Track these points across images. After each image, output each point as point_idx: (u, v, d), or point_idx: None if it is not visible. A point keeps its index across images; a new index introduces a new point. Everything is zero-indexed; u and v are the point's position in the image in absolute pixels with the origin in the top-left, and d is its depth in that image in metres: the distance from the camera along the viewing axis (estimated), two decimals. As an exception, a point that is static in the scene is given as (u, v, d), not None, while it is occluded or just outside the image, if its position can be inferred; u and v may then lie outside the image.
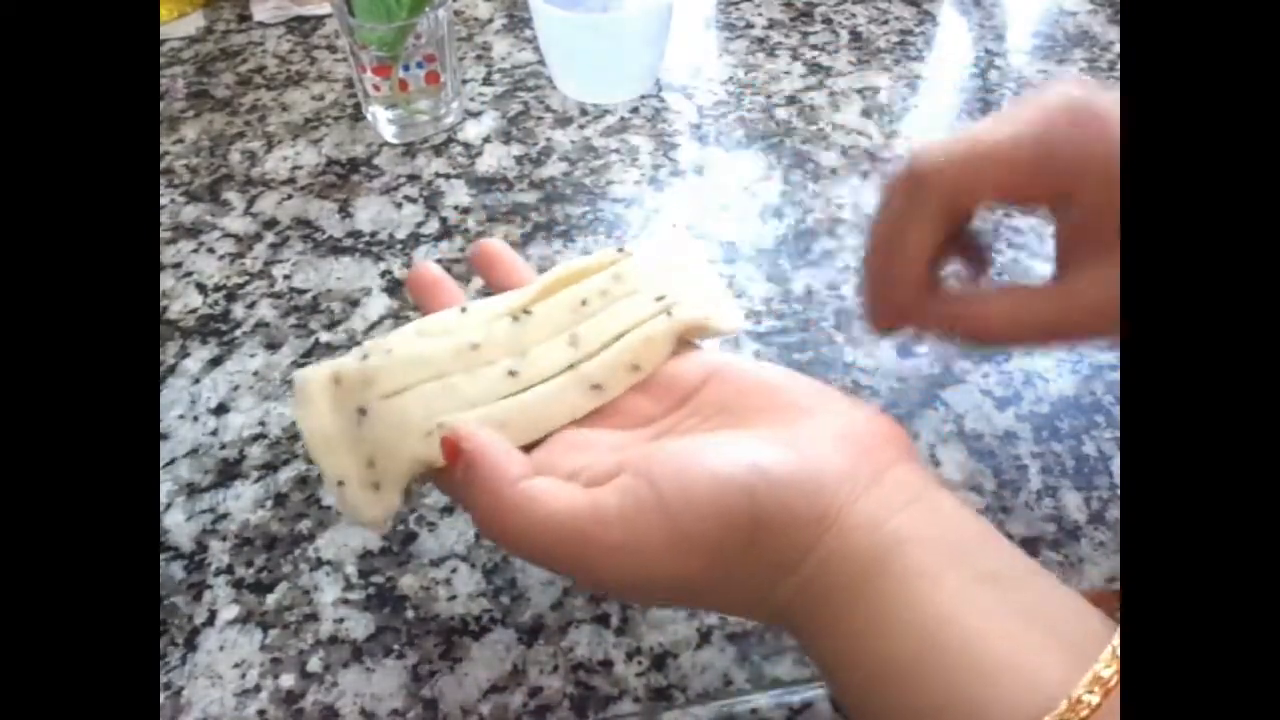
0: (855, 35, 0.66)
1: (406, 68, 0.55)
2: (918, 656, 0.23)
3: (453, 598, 0.37)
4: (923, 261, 0.33)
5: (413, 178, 0.55)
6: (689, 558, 0.25)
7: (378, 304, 0.48)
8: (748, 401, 0.29)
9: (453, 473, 0.29)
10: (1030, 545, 0.39)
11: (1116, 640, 0.22)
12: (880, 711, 0.24)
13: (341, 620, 0.36)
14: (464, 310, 0.33)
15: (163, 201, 0.54)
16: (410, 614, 0.37)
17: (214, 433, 0.43)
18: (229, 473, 0.41)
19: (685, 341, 0.33)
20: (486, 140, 0.58)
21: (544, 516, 0.26)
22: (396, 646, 0.36)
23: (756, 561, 0.25)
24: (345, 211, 0.53)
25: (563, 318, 0.33)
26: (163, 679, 0.35)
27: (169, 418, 0.43)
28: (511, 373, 0.31)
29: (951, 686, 0.22)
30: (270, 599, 0.37)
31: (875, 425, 0.28)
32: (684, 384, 0.31)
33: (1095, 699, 0.21)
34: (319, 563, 0.38)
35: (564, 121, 0.59)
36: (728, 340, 0.46)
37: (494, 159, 0.56)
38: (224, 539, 0.39)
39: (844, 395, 0.29)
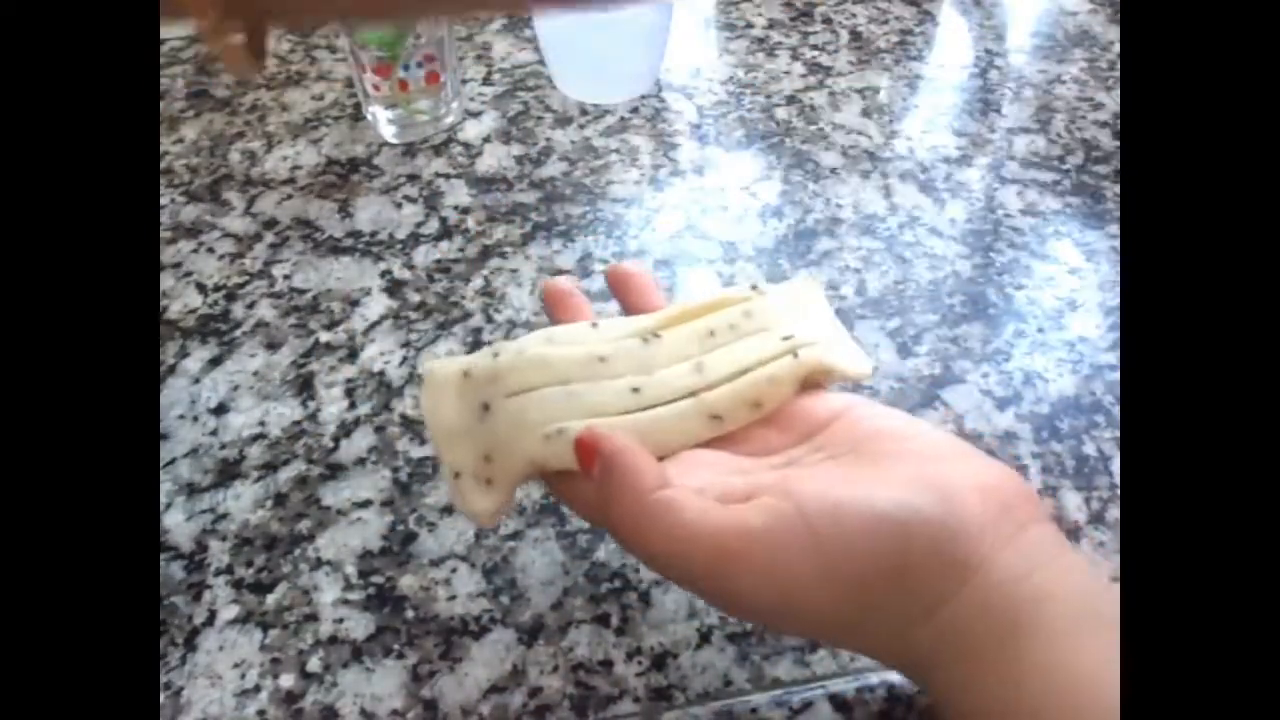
0: (855, 35, 0.66)
1: (406, 68, 0.55)
2: (1060, 717, 0.22)
3: (453, 598, 0.37)
4: None
5: (413, 178, 0.55)
6: (832, 588, 0.25)
7: (378, 304, 0.48)
8: (880, 445, 0.28)
9: (569, 478, 0.28)
10: (1030, 545, 0.39)
11: None
12: None
13: (341, 620, 0.36)
14: (595, 325, 0.33)
15: (163, 201, 0.54)
16: (410, 614, 0.37)
17: (214, 433, 0.43)
18: (229, 473, 0.41)
19: (810, 383, 0.32)
20: (486, 140, 0.58)
21: (686, 525, 0.25)
22: (396, 646, 0.36)
23: (897, 603, 0.25)
24: (345, 211, 0.53)
25: (690, 345, 0.33)
26: (163, 679, 0.35)
27: (169, 418, 0.43)
28: (635, 389, 0.31)
29: None
30: (270, 599, 0.37)
31: (1013, 482, 0.27)
32: (811, 420, 0.30)
33: None
34: (319, 563, 0.38)
35: (564, 121, 0.59)
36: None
37: (494, 159, 0.56)
38: (224, 539, 0.39)
39: (976, 450, 0.28)
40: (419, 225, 0.52)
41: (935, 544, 0.25)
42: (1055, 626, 0.23)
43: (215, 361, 0.46)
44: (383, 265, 0.50)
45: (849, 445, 0.29)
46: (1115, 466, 0.41)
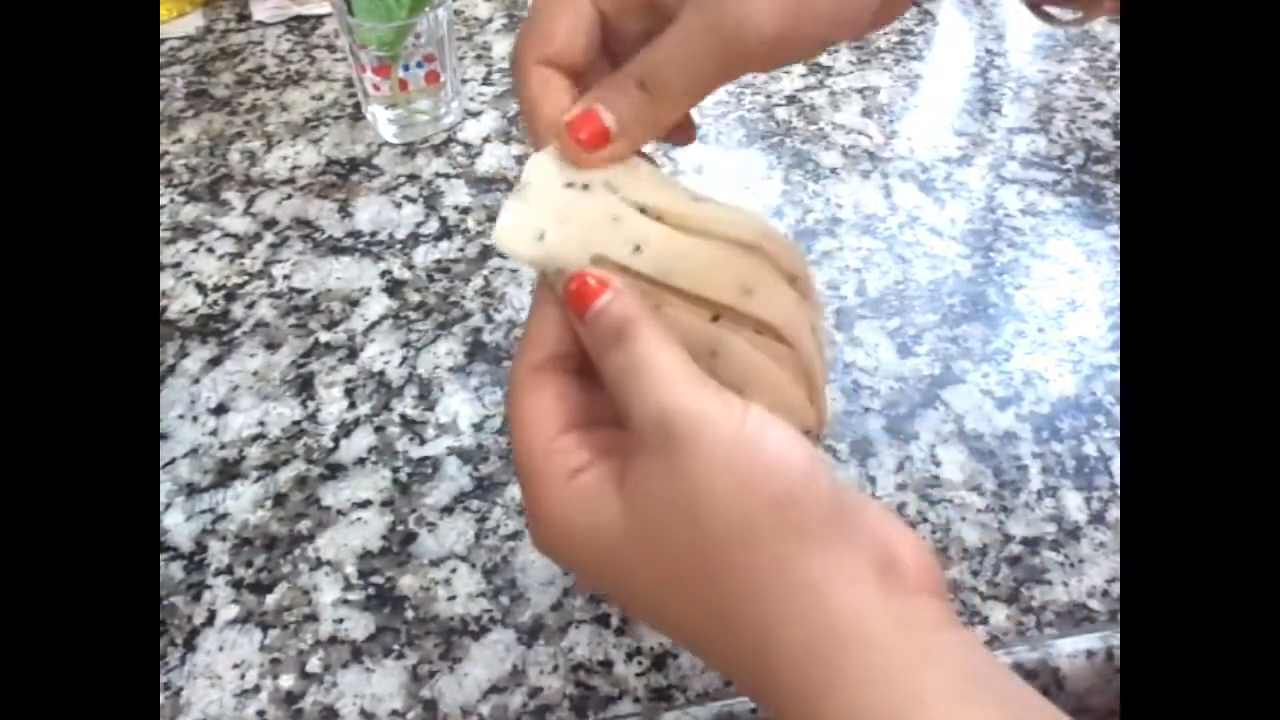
0: (855, 35, 0.66)
1: (406, 67, 0.55)
2: None
3: (452, 598, 0.37)
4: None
5: (412, 177, 0.55)
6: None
7: (377, 304, 0.48)
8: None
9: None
10: (1030, 545, 0.39)
11: None
12: None
13: (341, 620, 0.36)
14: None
15: (162, 201, 0.54)
16: (410, 614, 0.37)
17: (213, 433, 0.43)
18: (228, 473, 0.41)
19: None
20: (486, 140, 0.58)
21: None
22: (396, 647, 0.36)
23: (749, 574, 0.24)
24: (345, 211, 0.53)
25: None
26: (162, 679, 0.35)
27: (168, 418, 0.43)
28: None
29: None
30: (270, 599, 0.37)
31: (920, 551, 0.26)
32: None
33: None
34: (319, 563, 0.38)
35: (564, 121, 0.59)
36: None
37: (494, 159, 0.56)
38: (223, 539, 0.39)
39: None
40: (419, 225, 0.52)
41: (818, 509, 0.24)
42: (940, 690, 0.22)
43: (215, 361, 0.46)
44: (383, 265, 0.50)
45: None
46: (1115, 466, 0.41)
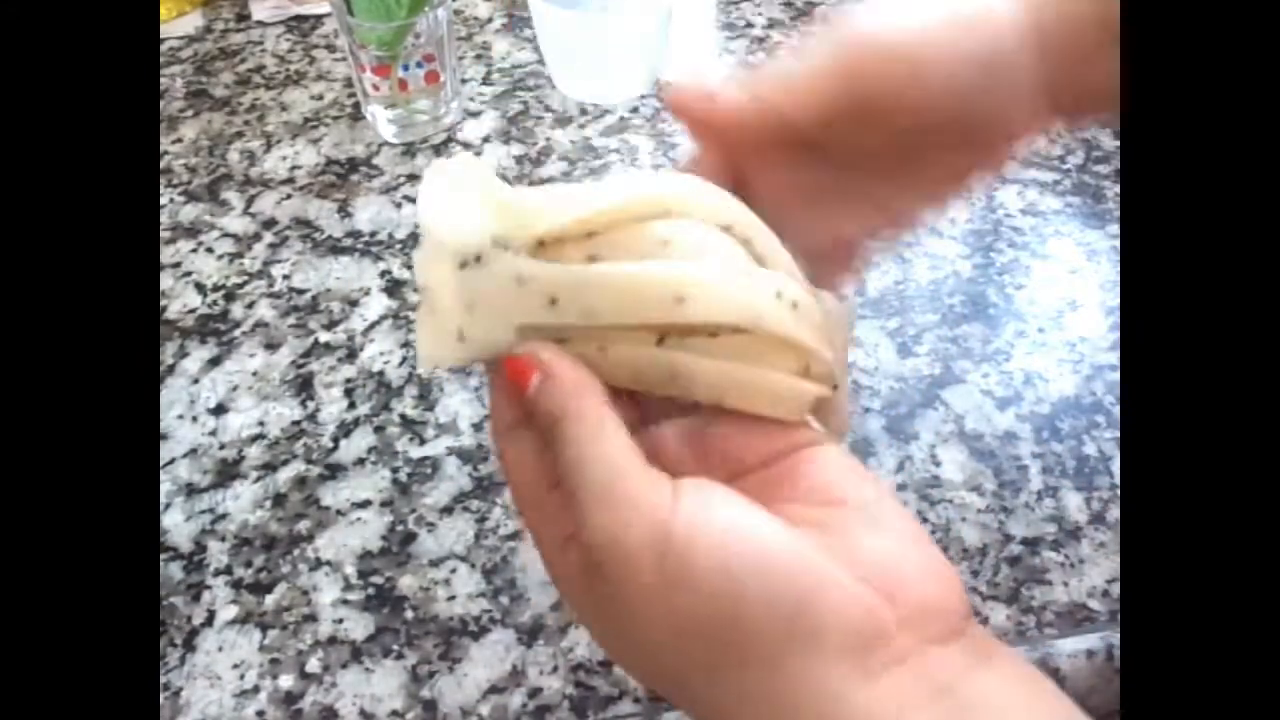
0: (855, 35, 0.66)
1: (406, 67, 0.55)
2: None
3: (452, 598, 0.37)
4: None
5: (412, 177, 0.55)
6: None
7: (377, 304, 0.48)
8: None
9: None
10: (1030, 545, 0.39)
11: None
12: None
13: (341, 621, 0.36)
14: None
15: (162, 201, 0.54)
16: (410, 614, 0.37)
17: (213, 433, 0.43)
18: (228, 473, 0.41)
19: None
20: (486, 140, 0.58)
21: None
22: (396, 647, 0.36)
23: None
24: (345, 211, 0.53)
25: None
26: (162, 679, 0.35)
27: (168, 418, 0.43)
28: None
29: None
30: (269, 599, 0.37)
31: (945, 587, 0.24)
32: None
33: None
34: (318, 563, 0.38)
35: (564, 121, 0.59)
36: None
37: (494, 159, 0.56)
38: (223, 539, 0.39)
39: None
40: (419, 225, 0.52)
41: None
42: None
43: (215, 361, 0.46)
44: (382, 265, 0.50)
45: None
46: (1115, 466, 0.41)
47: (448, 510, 0.40)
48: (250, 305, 0.48)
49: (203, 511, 0.40)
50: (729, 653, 0.22)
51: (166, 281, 0.50)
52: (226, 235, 0.52)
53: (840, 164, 0.29)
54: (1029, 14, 0.29)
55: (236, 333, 0.47)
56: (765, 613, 0.22)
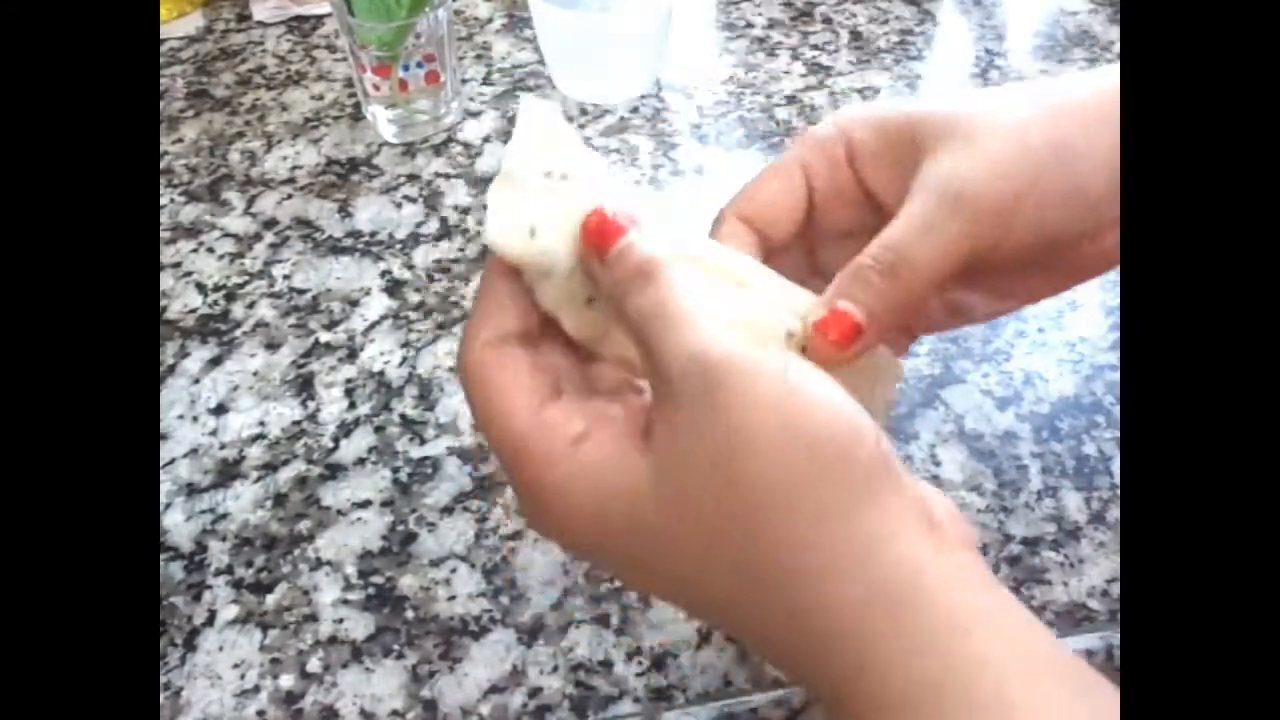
0: (855, 35, 0.66)
1: (406, 67, 0.55)
2: None
3: (452, 598, 0.37)
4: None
5: (412, 177, 0.55)
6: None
7: (377, 304, 0.48)
8: None
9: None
10: (1030, 545, 0.39)
11: None
12: None
13: (341, 620, 0.36)
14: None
15: (163, 201, 0.54)
16: (410, 614, 0.37)
17: (213, 433, 0.43)
18: (228, 473, 0.41)
19: None
20: (486, 140, 0.58)
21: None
22: (396, 647, 0.36)
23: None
24: (345, 211, 0.53)
25: None
26: (162, 679, 0.35)
27: (168, 418, 0.43)
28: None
29: None
30: (270, 599, 0.37)
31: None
32: None
33: None
34: (319, 563, 0.38)
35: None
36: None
37: (494, 159, 0.56)
38: (223, 539, 0.39)
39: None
40: (419, 225, 0.52)
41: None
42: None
43: (215, 361, 0.46)
44: (383, 265, 0.50)
45: None
46: (1115, 466, 0.41)
47: (448, 510, 0.40)
48: (251, 305, 0.48)
49: (203, 511, 0.40)
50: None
51: (167, 281, 0.50)
52: (227, 235, 0.52)
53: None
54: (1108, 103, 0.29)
55: (237, 333, 0.47)
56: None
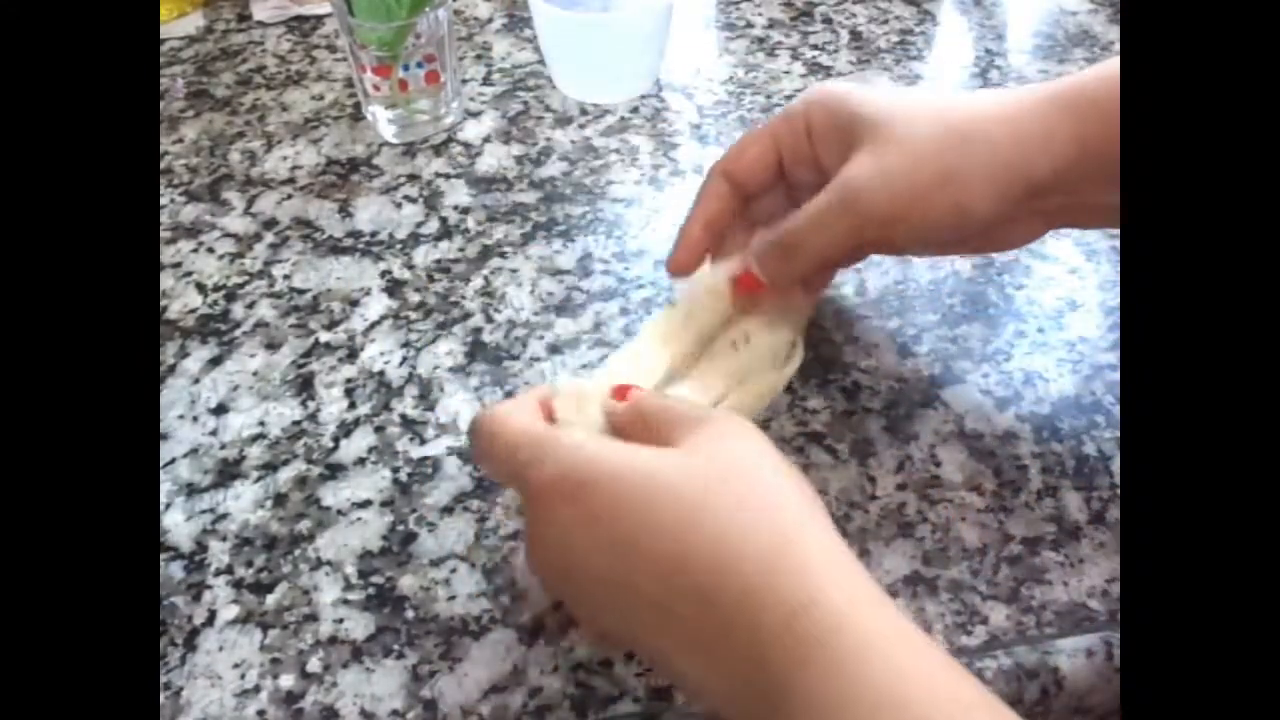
0: (855, 35, 0.66)
1: (406, 68, 0.55)
2: None
3: (452, 598, 0.37)
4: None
5: (413, 178, 0.55)
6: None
7: (377, 304, 0.48)
8: None
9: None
10: (1030, 545, 0.39)
11: None
12: None
13: (341, 620, 0.36)
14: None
15: (163, 201, 0.54)
16: (410, 614, 0.37)
17: (213, 433, 0.43)
18: (228, 473, 0.41)
19: None
20: (486, 140, 0.58)
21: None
22: (396, 647, 0.36)
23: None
24: (345, 211, 0.53)
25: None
26: (162, 679, 0.35)
27: (168, 418, 0.43)
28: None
29: None
30: (270, 599, 0.37)
31: None
32: None
33: None
34: (319, 563, 0.38)
35: (564, 121, 0.59)
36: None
37: (494, 159, 0.56)
38: (224, 539, 0.39)
39: None
40: (419, 225, 0.52)
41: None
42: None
43: (215, 361, 0.46)
44: (383, 265, 0.50)
45: None
46: (1115, 466, 0.41)
47: (448, 510, 0.40)
48: (251, 305, 0.48)
49: (203, 511, 0.40)
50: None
51: (167, 281, 0.50)
52: (227, 235, 0.52)
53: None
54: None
55: (237, 333, 0.47)
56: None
